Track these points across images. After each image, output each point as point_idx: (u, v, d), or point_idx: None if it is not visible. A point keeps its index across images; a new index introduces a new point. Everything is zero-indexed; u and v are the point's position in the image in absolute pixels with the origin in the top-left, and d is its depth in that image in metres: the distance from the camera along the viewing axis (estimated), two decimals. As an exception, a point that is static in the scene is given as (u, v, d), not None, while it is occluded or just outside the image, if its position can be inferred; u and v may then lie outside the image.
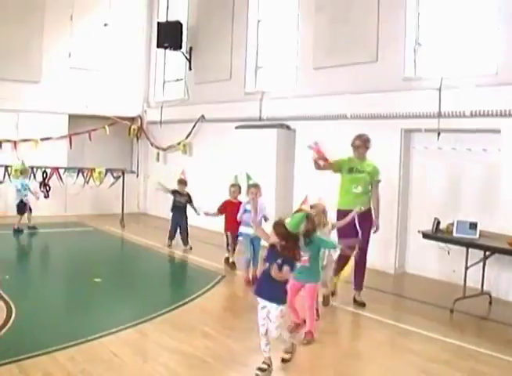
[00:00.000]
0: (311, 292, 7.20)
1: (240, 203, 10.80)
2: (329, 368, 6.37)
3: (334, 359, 6.56)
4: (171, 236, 13.33)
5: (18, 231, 14.50)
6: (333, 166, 8.83)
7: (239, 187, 11.32)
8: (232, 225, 10.87)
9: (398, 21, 11.24)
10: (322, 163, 8.61)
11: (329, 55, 12.47)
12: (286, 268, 5.88)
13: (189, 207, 13.31)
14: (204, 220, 12.62)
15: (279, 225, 6.01)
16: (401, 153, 11.23)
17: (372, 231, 8.96)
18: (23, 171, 14.97)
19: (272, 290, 6.01)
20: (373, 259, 9.59)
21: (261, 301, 6.07)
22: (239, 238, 10.75)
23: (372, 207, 9.01)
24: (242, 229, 10.37)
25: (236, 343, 6.98)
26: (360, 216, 8.49)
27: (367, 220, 8.83)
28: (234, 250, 11.28)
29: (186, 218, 13.32)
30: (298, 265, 6.56)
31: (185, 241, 13.12)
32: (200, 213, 12.48)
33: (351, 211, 8.39)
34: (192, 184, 15.19)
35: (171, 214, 13.58)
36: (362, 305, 8.76)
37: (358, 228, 8.64)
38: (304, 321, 7.27)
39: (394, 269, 11.27)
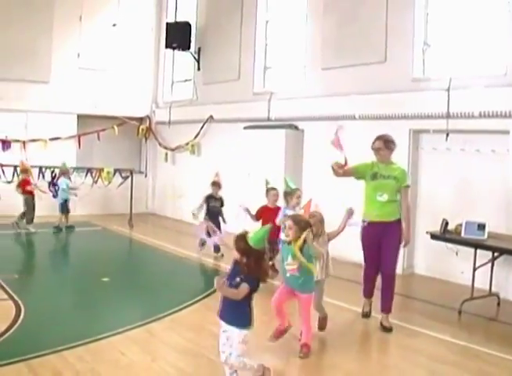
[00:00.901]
0: (306, 303, 6.65)
1: (279, 208, 9.93)
2: (336, 369, 6.37)
3: (342, 360, 6.55)
4: (202, 242, 12.20)
5: (58, 229, 14.93)
6: (354, 172, 7.94)
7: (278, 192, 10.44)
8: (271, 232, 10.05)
9: (407, 21, 11.24)
10: (342, 170, 7.73)
11: (338, 55, 12.47)
12: (243, 286, 5.32)
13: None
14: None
15: (239, 240, 5.46)
16: (409, 153, 11.21)
17: (401, 245, 7.99)
18: (65, 172, 15.28)
19: (233, 312, 5.45)
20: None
21: (222, 325, 5.52)
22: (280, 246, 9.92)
23: (402, 218, 7.92)
24: (283, 236, 9.64)
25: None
26: (384, 228, 7.78)
27: (393, 232, 7.81)
28: (274, 257, 10.12)
29: (220, 223, 12.03)
30: (288, 274, 6.56)
31: (217, 248, 11.99)
32: (226, 222, 12.04)
33: (376, 222, 7.81)
34: (201, 185, 15.24)
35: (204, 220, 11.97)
36: (389, 330, 7.68)
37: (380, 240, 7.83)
38: (285, 330, 6.86)
39: (402, 269, 11.25)
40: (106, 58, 18.19)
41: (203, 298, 9.02)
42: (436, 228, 9.37)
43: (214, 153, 16.20)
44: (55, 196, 15.37)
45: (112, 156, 17.32)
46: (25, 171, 14.83)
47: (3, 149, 16.49)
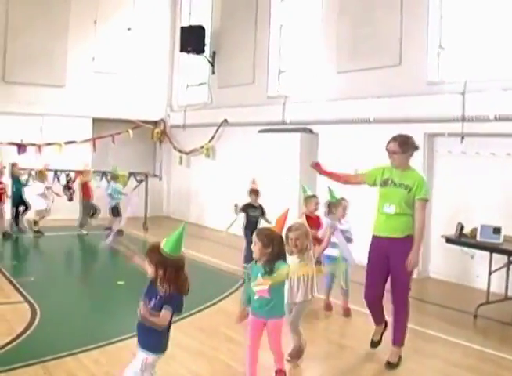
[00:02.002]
0: (276, 329, 5.80)
1: (318, 217, 9.24)
2: (351, 372, 6.37)
3: (356, 364, 6.54)
4: (248, 259, 10.63)
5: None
6: (366, 177, 6.99)
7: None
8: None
9: (421, 25, 11.23)
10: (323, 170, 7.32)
11: (352, 59, 12.46)
12: (164, 312, 4.66)
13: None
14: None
15: (151, 251, 4.86)
16: (424, 157, 11.18)
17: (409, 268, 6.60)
18: (115, 177, 15.47)
19: (148, 335, 4.84)
20: None
21: (138, 347, 4.97)
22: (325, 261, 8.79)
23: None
24: (329, 251, 8.30)
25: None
26: (391, 245, 6.62)
27: (401, 251, 6.53)
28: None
29: None
30: (256, 297, 5.70)
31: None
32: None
33: (381, 238, 6.73)
34: (215, 188, 15.32)
35: (243, 232, 11.53)
36: (392, 366, 6.60)
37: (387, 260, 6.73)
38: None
39: (417, 273, 11.19)
40: (121, 62, 18.28)
41: (218, 301, 9.04)
42: (451, 232, 9.34)
43: (228, 157, 16.22)
44: (71, 199, 15.45)
45: (127, 159, 17.35)
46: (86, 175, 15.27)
47: (19, 152, 16.57)
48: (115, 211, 15.25)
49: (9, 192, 14.64)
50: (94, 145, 17.79)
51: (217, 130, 16.63)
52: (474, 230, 9.06)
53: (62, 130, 17.13)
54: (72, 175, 15.84)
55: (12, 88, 16.46)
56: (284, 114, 14.23)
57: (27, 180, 15.31)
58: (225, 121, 16.30)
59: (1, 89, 16.41)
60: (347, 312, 8.60)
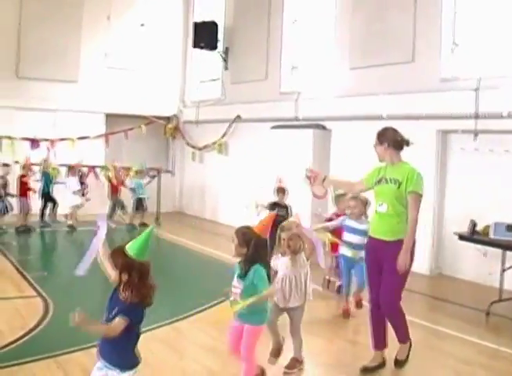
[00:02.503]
0: (248, 337, 5.44)
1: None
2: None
3: (368, 359, 6.53)
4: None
5: (132, 226, 15.42)
6: (365, 181, 6.60)
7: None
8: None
9: (435, 21, 11.20)
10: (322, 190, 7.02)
11: (366, 55, 12.43)
12: (118, 321, 4.27)
13: None
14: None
15: (116, 254, 4.51)
16: (437, 154, 11.17)
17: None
18: (139, 172, 15.80)
19: (114, 349, 4.43)
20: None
21: (100, 362, 4.51)
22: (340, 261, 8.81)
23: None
24: (343, 250, 8.49)
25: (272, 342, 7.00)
26: (383, 248, 6.21)
27: (393, 257, 6.08)
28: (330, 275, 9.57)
29: None
30: (231, 298, 5.50)
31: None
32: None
33: (375, 239, 6.36)
34: (228, 184, 15.33)
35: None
36: (399, 364, 6.49)
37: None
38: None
39: (429, 270, 11.21)
40: (134, 57, 18.32)
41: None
42: (464, 229, 9.31)
43: (241, 153, 16.23)
44: (83, 194, 15.52)
45: (140, 155, 17.36)
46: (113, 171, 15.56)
47: (32, 148, 16.63)
48: (138, 205, 15.55)
49: (38, 187, 14.93)
50: (107, 140, 17.83)
51: (229, 126, 16.64)
52: (487, 228, 9.02)
53: (75, 125, 17.16)
54: (85, 170, 15.93)
55: (25, 84, 16.49)
56: (297, 110, 14.22)
57: (84, 177, 15.83)
58: (238, 117, 16.30)
59: (15, 85, 16.45)
60: (358, 304, 8.31)
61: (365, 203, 8.23)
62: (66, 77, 17.09)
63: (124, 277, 4.37)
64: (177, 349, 6.70)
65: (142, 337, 6.94)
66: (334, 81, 13.47)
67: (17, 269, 10.36)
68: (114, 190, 15.71)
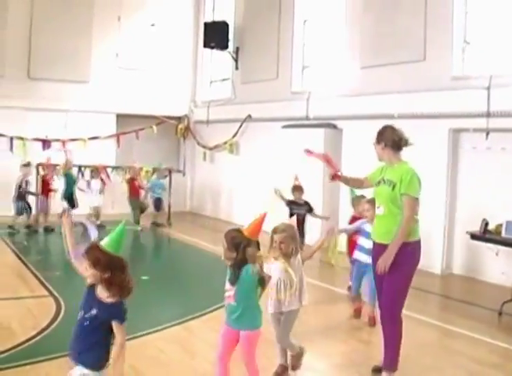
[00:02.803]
0: (247, 342, 5.27)
1: None
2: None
3: (380, 359, 6.52)
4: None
5: (156, 225, 15.61)
6: (370, 179, 6.39)
7: None
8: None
9: (446, 19, 11.16)
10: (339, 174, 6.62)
11: (377, 54, 12.41)
12: (118, 328, 4.19)
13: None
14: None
15: (94, 250, 4.26)
16: (448, 153, 11.14)
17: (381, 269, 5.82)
18: (157, 171, 16.06)
19: (88, 349, 4.22)
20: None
21: (71, 362, 4.37)
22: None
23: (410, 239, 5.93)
24: (356, 254, 8.29)
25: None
26: (382, 252, 5.84)
27: (394, 261, 5.75)
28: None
29: (304, 233, 10.46)
30: (225, 302, 5.38)
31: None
32: (329, 218, 11.10)
33: (376, 244, 6.11)
34: (239, 184, 15.32)
35: None
36: (379, 370, 6.13)
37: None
38: None
39: (440, 269, 11.18)
40: (145, 58, 18.36)
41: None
42: (476, 228, 9.28)
43: (252, 153, 16.22)
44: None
45: (151, 155, 17.38)
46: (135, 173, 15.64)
47: (43, 148, 16.70)
48: (157, 205, 15.68)
49: (61, 187, 15.07)
50: (118, 141, 17.88)
51: (240, 126, 16.64)
52: (499, 226, 9.00)
53: (86, 126, 17.22)
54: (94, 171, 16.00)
55: (37, 85, 16.56)
56: (308, 110, 14.21)
57: (80, 177, 15.81)
58: (249, 116, 16.31)
59: (27, 86, 16.52)
60: (370, 321, 7.87)
61: None
62: (77, 77, 17.16)
63: (106, 275, 4.19)
64: (189, 349, 6.71)
65: (153, 336, 7.01)
66: (345, 80, 13.44)
67: (29, 269, 10.40)
68: (135, 192, 15.62)
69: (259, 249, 5.23)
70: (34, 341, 6.69)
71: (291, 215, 10.61)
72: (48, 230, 14.46)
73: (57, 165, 15.13)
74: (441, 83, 11.07)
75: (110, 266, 4.20)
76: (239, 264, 5.12)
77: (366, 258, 7.58)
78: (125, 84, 17.85)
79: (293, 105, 14.57)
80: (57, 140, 16.90)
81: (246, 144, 16.61)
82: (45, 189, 14.75)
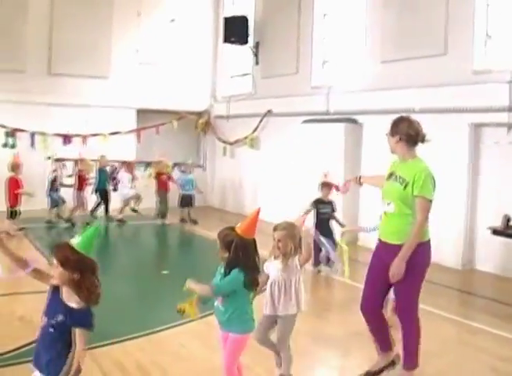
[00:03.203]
0: (231, 346, 5.08)
1: None
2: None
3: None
4: (317, 261, 10.35)
5: (193, 221, 15.53)
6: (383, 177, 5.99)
7: None
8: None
9: (467, 13, 11.08)
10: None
11: (398, 48, 12.34)
12: (80, 332, 3.92)
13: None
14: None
15: (64, 250, 3.96)
16: (470, 148, 11.07)
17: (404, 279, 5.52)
18: (184, 166, 16.16)
19: (55, 358, 3.93)
20: (440, 255, 9.26)
21: (34, 370, 4.07)
22: None
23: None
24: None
25: (304, 337, 6.98)
26: (390, 252, 5.57)
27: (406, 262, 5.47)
28: None
29: (331, 232, 10.38)
30: (216, 303, 5.16)
31: (331, 264, 10.30)
32: (345, 225, 10.37)
33: (382, 242, 5.82)
34: (260, 179, 15.29)
35: (313, 230, 10.27)
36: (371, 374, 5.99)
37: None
38: None
39: (461, 265, 11.12)
40: (165, 53, 18.39)
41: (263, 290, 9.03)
42: (497, 223, 9.23)
43: (273, 148, 16.21)
44: (115, 189, 15.66)
45: (171, 150, 17.41)
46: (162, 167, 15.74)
47: (64, 143, 16.81)
48: (184, 202, 15.66)
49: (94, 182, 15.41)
50: (138, 136, 17.95)
51: (261, 120, 16.63)
52: (521, 222, 8.95)
53: (106, 121, 17.32)
54: (117, 165, 16.09)
55: (57, 80, 16.66)
56: (328, 104, 14.18)
57: (115, 172, 16.01)
58: (269, 111, 16.29)
59: (48, 81, 16.61)
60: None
61: None
62: (97, 73, 17.23)
63: (75, 275, 3.89)
64: (209, 344, 6.71)
65: (173, 331, 7.02)
66: (366, 74, 13.39)
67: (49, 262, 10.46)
68: (162, 186, 15.71)
69: (256, 248, 5.01)
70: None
71: (317, 214, 10.44)
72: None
73: (93, 160, 15.46)
74: (462, 77, 11.00)
75: (80, 267, 3.90)
76: (230, 264, 4.93)
77: None
78: (145, 80, 17.89)
79: (313, 100, 14.55)
80: (78, 135, 16.99)
81: (267, 139, 16.60)
82: (81, 183, 14.91)
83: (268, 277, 5.52)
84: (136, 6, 17.81)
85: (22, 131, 16.34)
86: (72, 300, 3.93)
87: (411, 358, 5.74)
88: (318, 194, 10.54)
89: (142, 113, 18.05)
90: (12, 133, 16.27)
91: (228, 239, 4.95)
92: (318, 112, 14.30)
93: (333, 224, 10.47)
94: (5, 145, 16.08)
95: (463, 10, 11.14)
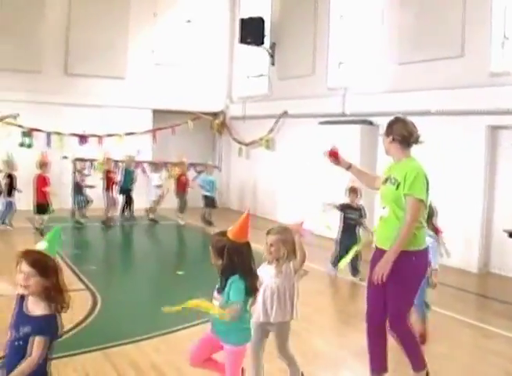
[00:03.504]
0: (230, 358, 4.84)
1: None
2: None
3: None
4: (336, 263, 9.98)
5: (209, 222, 15.45)
6: (380, 179, 5.80)
7: None
8: None
9: (485, 15, 11.03)
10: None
11: (414, 50, 12.28)
12: (38, 340, 3.61)
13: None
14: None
15: (37, 257, 3.71)
16: (486, 150, 11.00)
17: (376, 277, 5.29)
18: (209, 167, 16.27)
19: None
20: (456, 258, 9.08)
21: None
22: None
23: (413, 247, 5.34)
24: None
25: (318, 339, 6.97)
26: (378, 258, 5.35)
27: (395, 269, 5.21)
28: None
29: (356, 238, 9.99)
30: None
31: (355, 270, 10.03)
32: (373, 232, 10.22)
33: (377, 249, 5.52)
34: (276, 180, 15.28)
35: (338, 236, 10.30)
36: None
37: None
38: None
39: (477, 268, 11.06)
40: (181, 54, 18.41)
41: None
42: (514, 226, 9.19)
43: (288, 149, 16.19)
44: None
45: (187, 150, 17.42)
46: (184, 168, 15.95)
47: (80, 143, 16.87)
48: (207, 202, 15.64)
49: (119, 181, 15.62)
50: (154, 136, 17.99)
51: (276, 122, 16.62)
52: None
53: (122, 121, 17.36)
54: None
55: (73, 81, 16.77)
56: (344, 106, 14.14)
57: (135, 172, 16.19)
58: (285, 112, 16.28)
59: (64, 81, 16.72)
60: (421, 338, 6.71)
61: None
62: (113, 73, 17.31)
63: (52, 282, 3.68)
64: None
65: (187, 331, 7.01)
66: (382, 76, 13.34)
67: (66, 263, 10.49)
68: (181, 187, 15.79)
69: (250, 252, 4.78)
70: (70, 334, 6.74)
71: (344, 219, 10.22)
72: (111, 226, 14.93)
73: (120, 161, 15.75)
74: (479, 79, 10.95)
75: (56, 271, 3.72)
76: (225, 271, 4.68)
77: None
78: (161, 80, 17.95)
79: (329, 101, 14.52)
80: (94, 135, 17.04)
81: (283, 140, 16.58)
82: (109, 183, 15.07)
83: (261, 283, 5.14)
84: (152, 7, 17.90)
85: (38, 130, 16.41)
86: (39, 308, 3.71)
87: (417, 361, 5.57)
88: (338, 197, 10.54)
89: (157, 113, 18.08)
90: (28, 133, 16.34)
91: (220, 244, 4.72)
92: (334, 113, 14.27)
93: (360, 231, 10.18)
94: (21, 144, 16.16)
95: (481, 12, 11.08)
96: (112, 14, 17.13)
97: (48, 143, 16.53)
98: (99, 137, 17.10)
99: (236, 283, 4.61)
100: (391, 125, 5.66)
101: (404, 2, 12.67)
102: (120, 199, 15.63)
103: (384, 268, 5.18)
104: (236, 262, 4.64)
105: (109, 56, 17.10)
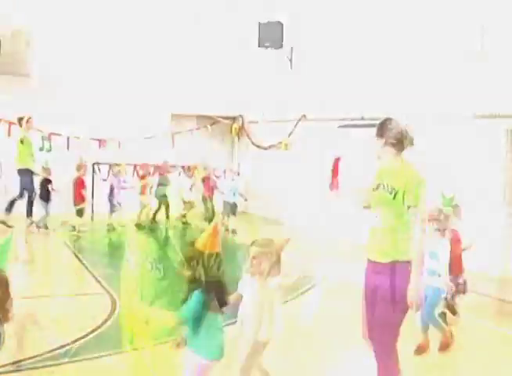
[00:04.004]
0: (194, 368, 4.54)
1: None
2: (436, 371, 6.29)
3: (441, 364, 6.44)
4: None
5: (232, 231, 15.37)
6: None
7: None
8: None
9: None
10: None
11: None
12: None
13: None
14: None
15: None
16: (506, 154, 10.94)
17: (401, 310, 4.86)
18: (221, 172, 16.80)
19: None
20: (477, 262, 9.10)
21: None
22: None
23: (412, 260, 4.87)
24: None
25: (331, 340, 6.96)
26: (377, 273, 4.98)
27: (385, 285, 4.87)
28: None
29: None
30: None
31: None
32: None
33: (370, 261, 5.11)
34: (294, 184, 15.26)
35: None
36: None
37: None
38: None
39: (498, 272, 11.00)
40: (200, 57, 18.38)
41: (295, 297, 9.00)
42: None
43: (307, 153, 16.14)
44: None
45: (205, 154, 17.43)
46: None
47: (99, 146, 16.94)
48: (228, 208, 15.52)
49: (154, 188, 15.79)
50: (173, 140, 18.02)
51: (295, 125, 16.60)
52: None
53: (141, 125, 17.37)
54: (151, 170, 16.23)
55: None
56: (363, 110, 14.10)
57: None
58: (304, 116, 16.25)
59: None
60: (419, 349, 6.74)
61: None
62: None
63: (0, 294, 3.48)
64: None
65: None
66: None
67: (86, 267, 10.55)
68: (209, 191, 15.96)
69: (220, 264, 4.44)
70: (90, 337, 6.78)
71: None
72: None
73: (155, 166, 15.97)
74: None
75: (6, 283, 3.54)
76: (190, 285, 4.40)
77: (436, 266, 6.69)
78: (180, 84, 17.96)
79: (348, 105, 14.48)
80: (112, 139, 17.09)
81: (301, 144, 16.55)
82: (144, 188, 15.32)
83: (241, 297, 5.00)
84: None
85: (57, 135, 16.48)
86: None
87: None
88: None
89: (176, 117, 18.11)
90: (48, 137, 16.41)
91: (189, 255, 4.43)
92: (353, 117, 14.23)
93: None
94: (41, 148, 16.21)
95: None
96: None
97: (68, 147, 16.59)
98: (118, 141, 17.11)
99: (192, 298, 4.33)
100: (382, 127, 5.26)
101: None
102: (154, 204, 15.67)
103: (416, 292, 4.75)
104: (202, 274, 4.34)
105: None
